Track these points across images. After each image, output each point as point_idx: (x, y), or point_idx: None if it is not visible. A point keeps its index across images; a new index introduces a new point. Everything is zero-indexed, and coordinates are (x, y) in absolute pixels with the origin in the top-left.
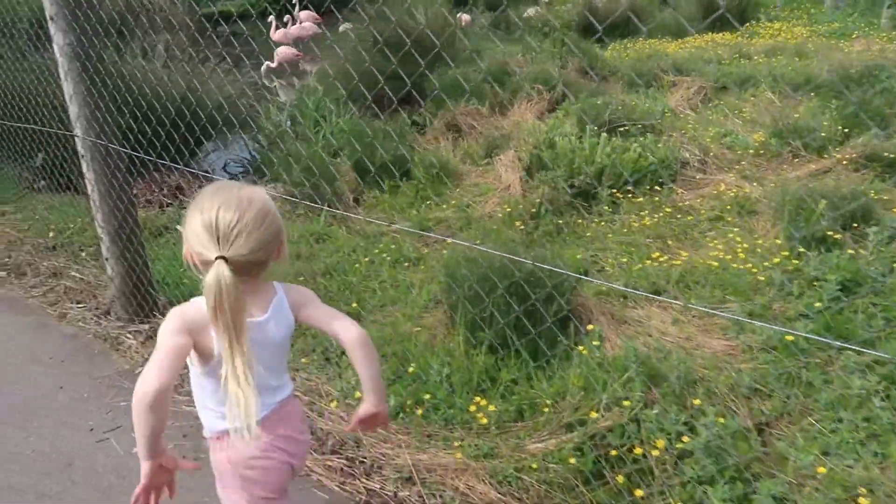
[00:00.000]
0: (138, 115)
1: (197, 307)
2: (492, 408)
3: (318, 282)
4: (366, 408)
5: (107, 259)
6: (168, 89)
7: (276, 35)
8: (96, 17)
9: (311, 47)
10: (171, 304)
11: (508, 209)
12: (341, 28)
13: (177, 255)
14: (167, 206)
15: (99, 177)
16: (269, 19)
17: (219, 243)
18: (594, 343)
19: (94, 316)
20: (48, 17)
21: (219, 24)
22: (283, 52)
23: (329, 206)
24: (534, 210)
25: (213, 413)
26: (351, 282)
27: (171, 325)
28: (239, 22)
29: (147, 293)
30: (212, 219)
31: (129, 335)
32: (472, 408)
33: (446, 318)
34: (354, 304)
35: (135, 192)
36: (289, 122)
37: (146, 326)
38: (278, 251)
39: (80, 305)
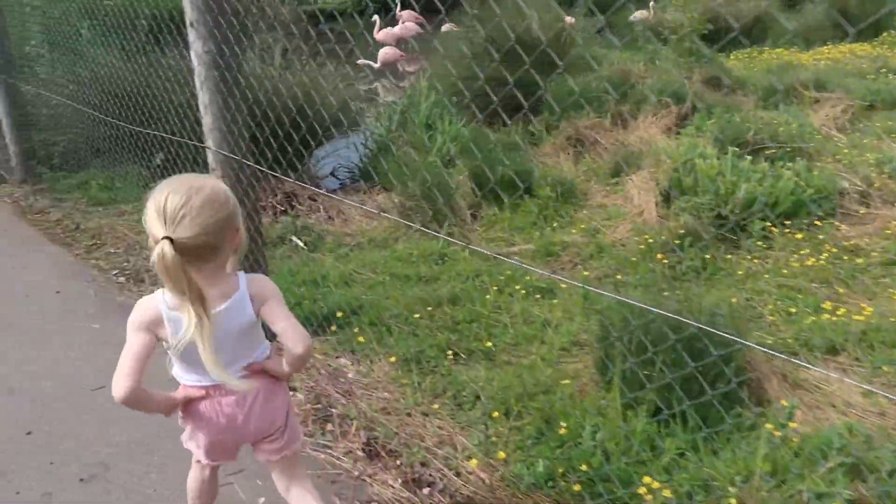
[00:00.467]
0: (258, 120)
1: (153, 301)
2: (666, 492)
3: (445, 310)
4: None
5: None
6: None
7: (379, 35)
8: (239, 23)
9: (413, 47)
10: None
11: (649, 239)
12: (444, 28)
13: (292, 269)
14: (281, 213)
15: None
16: (374, 18)
17: (165, 224)
18: (781, 422)
19: None
20: (188, 23)
21: (317, 21)
22: (387, 52)
23: (445, 221)
24: (677, 241)
25: (182, 378)
26: (480, 313)
27: (134, 318)
28: (338, 18)
29: None
30: (161, 202)
31: None
32: (642, 490)
33: (592, 365)
34: (489, 343)
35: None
36: (399, 128)
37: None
38: (233, 239)
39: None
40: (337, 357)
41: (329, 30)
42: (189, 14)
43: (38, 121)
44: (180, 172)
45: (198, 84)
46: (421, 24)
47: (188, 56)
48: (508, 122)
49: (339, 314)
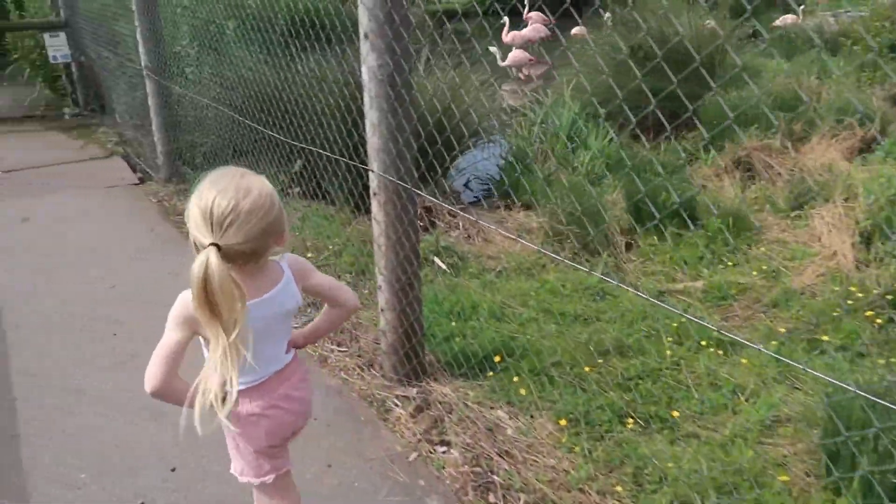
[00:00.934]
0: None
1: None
2: None
3: (614, 363)
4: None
5: (382, 310)
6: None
7: (507, 37)
8: (412, 36)
9: (540, 51)
10: (440, 365)
11: (855, 291)
12: (573, 31)
13: (438, 297)
14: (422, 230)
15: (391, 221)
16: (504, 20)
17: (212, 230)
18: None
19: (357, 366)
20: (361, 34)
21: (442, 22)
22: (516, 55)
23: (599, 252)
24: (889, 297)
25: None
26: (655, 369)
27: (175, 314)
28: (463, 20)
29: (416, 350)
30: (208, 205)
31: (396, 401)
32: None
33: (805, 453)
34: (675, 414)
35: None
36: (539, 140)
37: (414, 391)
38: (278, 242)
39: (341, 349)
40: (493, 408)
41: (455, 31)
42: (364, 25)
43: (185, 121)
44: (317, 181)
45: (367, 101)
46: (550, 27)
47: (345, 66)
48: (660, 137)
49: (496, 358)
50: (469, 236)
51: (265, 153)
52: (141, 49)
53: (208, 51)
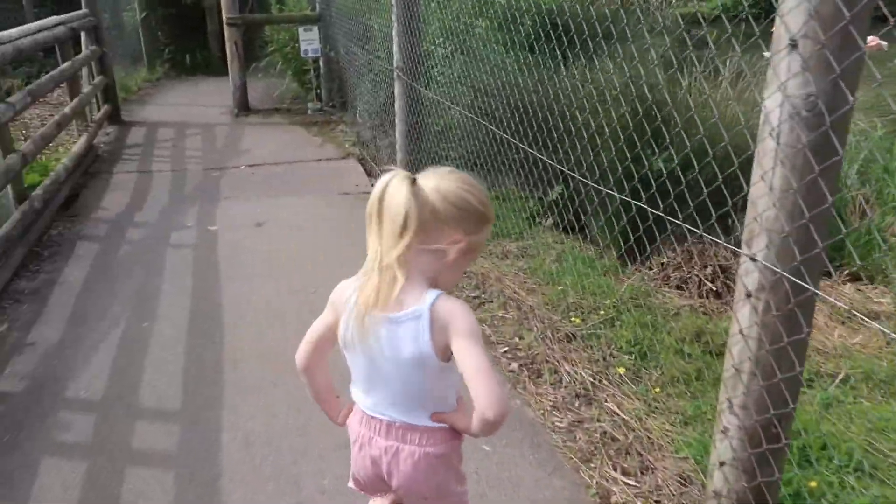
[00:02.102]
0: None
1: (344, 285)
2: None
3: None
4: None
5: (721, 464)
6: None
7: None
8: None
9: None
10: None
11: None
12: (869, 42)
13: None
14: (711, 294)
15: (770, 335)
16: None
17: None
18: None
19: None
20: (782, 42)
21: (692, 27)
22: None
23: None
24: None
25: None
26: None
27: (329, 301)
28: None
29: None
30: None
31: None
32: None
33: None
34: None
35: (663, 263)
36: (855, 180)
37: None
38: (456, 242)
39: (626, 479)
40: None
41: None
42: (793, 27)
43: (429, 129)
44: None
45: (765, 150)
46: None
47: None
48: None
49: None
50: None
51: (517, 174)
52: (395, 47)
53: (460, 52)
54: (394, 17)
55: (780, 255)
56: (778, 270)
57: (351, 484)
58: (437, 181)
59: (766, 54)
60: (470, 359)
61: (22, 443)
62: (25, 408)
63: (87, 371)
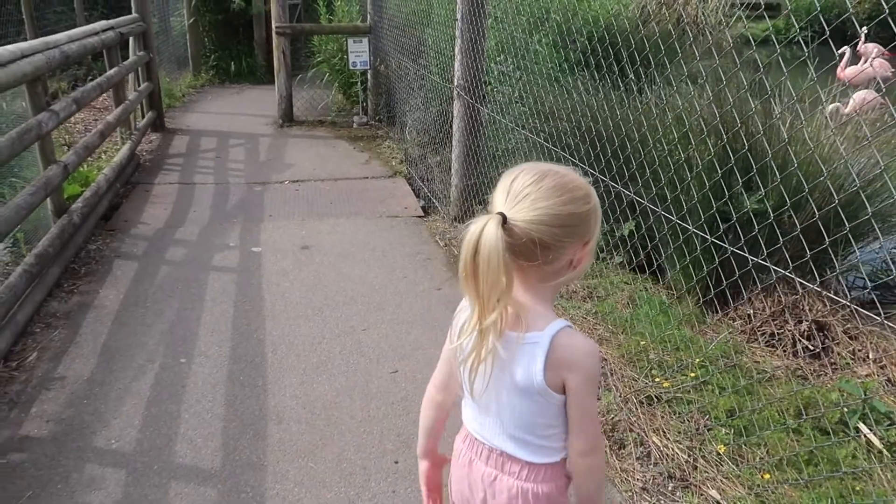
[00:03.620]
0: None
1: (464, 304)
2: None
3: None
4: None
5: None
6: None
7: (845, 73)
8: None
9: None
10: None
11: None
12: None
13: None
14: (806, 353)
15: None
16: (842, 50)
17: (506, 200)
18: None
19: None
20: None
21: (745, 46)
22: (866, 96)
23: None
24: None
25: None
26: None
27: (451, 328)
28: (774, 43)
29: None
30: (510, 180)
31: None
32: None
33: None
34: None
35: (750, 315)
36: None
37: None
38: (575, 252)
39: None
40: None
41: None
42: None
43: (488, 153)
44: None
45: None
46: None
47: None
48: None
49: None
50: (890, 380)
51: None
52: (457, 65)
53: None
54: (457, 34)
55: None
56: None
57: None
58: (529, 210)
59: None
60: (579, 405)
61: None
62: (51, 458)
63: (118, 416)
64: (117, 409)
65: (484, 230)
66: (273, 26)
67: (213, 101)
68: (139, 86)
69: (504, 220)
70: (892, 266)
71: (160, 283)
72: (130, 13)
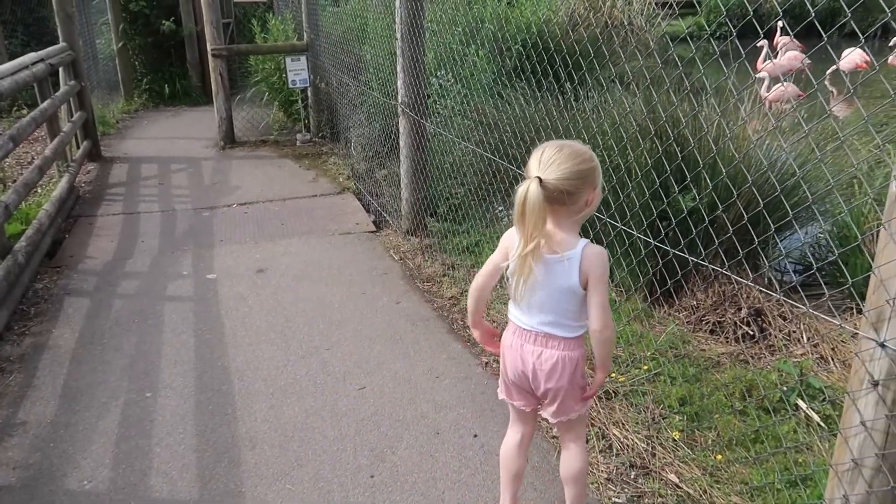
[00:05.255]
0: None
1: (512, 231)
2: None
3: None
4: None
5: None
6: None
7: (763, 66)
8: None
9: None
10: None
11: None
12: (891, 61)
13: None
14: (746, 338)
15: None
16: (760, 44)
17: (539, 167)
18: None
19: None
20: None
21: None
22: (786, 88)
23: None
24: None
25: (510, 309)
26: None
27: (499, 244)
28: (689, 41)
29: None
30: (541, 153)
31: None
32: None
33: None
34: None
35: (693, 306)
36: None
37: None
38: (588, 194)
39: None
40: None
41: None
42: None
43: (433, 167)
44: None
45: None
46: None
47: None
48: None
49: None
50: (822, 357)
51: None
52: (399, 83)
53: (461, 84)
54: (398, 52)
55: None
56: None
57: (502, 395)
58: (556, 171)
59: (762, 75)
60: (597, 295)
61: None
62: None
63: (88, 456)
64: (86, 450)
65: (529, 189)
66: (209, 49)
67: (150, 126)
68: (72, 116)
69: (540, 181)
70: (811, 257)
71: (115, 318)
72: (51, 37)
